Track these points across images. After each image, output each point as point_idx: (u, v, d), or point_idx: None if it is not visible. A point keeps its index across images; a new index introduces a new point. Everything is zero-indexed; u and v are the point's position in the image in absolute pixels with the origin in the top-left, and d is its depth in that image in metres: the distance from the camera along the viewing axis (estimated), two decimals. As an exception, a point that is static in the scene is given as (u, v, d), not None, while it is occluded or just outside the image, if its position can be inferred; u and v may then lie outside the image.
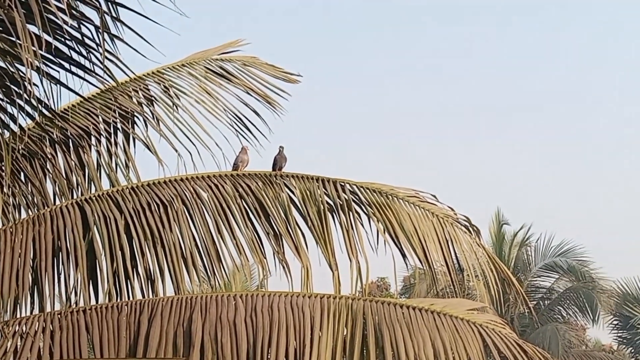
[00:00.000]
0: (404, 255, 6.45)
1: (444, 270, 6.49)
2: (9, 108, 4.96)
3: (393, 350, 5.65)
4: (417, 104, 38.55)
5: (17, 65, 4.67)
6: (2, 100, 4.89)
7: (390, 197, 6.54)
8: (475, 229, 6.61)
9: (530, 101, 38.06)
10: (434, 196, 6.66)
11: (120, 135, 7.05)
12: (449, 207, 6.65)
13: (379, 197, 6.54)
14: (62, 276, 6.06)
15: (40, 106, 4.99)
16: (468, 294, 15.17)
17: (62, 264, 6.07)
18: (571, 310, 20.57)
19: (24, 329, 5.73)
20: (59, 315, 5.80)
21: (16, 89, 4.81)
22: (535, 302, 20.33)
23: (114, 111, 7.00)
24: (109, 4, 4.46)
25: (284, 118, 7.34)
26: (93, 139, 6.93)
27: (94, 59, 4.81)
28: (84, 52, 4.78)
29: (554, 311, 20.55)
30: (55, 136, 6.69)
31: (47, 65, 4.82)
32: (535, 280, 20.79)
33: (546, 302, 20.62)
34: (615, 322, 20.82)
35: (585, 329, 23.48)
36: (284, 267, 6.30)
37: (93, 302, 6.01)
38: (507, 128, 38.37)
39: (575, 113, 37.78)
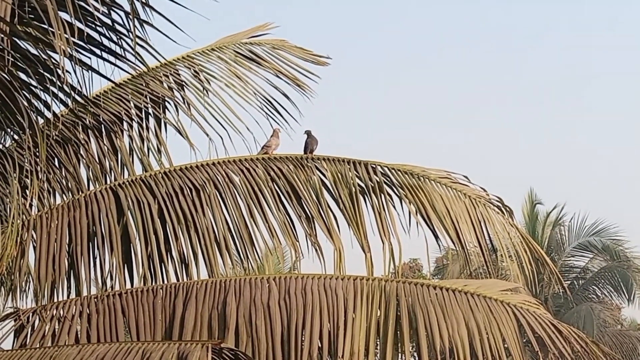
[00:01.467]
0: (436, 237, 6.44)
1: (477, 250, 6.47)
2: (42, 95, 5.01)
3: (427, 331, 5.66)
4: (448, 80, 38.28)
5: (49, 52, 4.71)
6: (36, 87, 4.93)
7: (422, 178, 6.52)
8: (508, 209, 6.58)
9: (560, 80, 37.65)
10: (466, 177, 6.63)
11: (151, 120, 7.10)
12: (481, 188, 6.62)
13: (410, 178, 6.53)
14: (97, 260, 6.13)
15: (73, 93, 5.03)
16: (501, 274, 15.11)
17: (98, 248, 6.14)
18: (606, 289, 20.42)
19: (62, 313, 5.81)
20: (96, 299, 5.87)
21: (49, 76, 4.85)
22: (569, 282, 20.21)
23: (145, 96, 7.04)
24: (139, -11, 4.47)
25: (315, 101, 7.33)
26: (125, 124, 6.98)
27: (124, 45, 4.83)
28: (115, 38, 4.81)
29: (588, 291, 20.41)
30: (88, 122, 6.75)
31: (79, 52, 4.85)
32: (569, 260, 20.65)
33: (580, 281, 20.49)
34: (651, 301, 20.63)
35: (620, 308, 23.30)
36: (316, 250, 6.32)
37: (128, 285, 6.08)
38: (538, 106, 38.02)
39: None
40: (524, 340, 6.12)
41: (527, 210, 20.73)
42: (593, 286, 20.49)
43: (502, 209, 6.56)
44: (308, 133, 6.89)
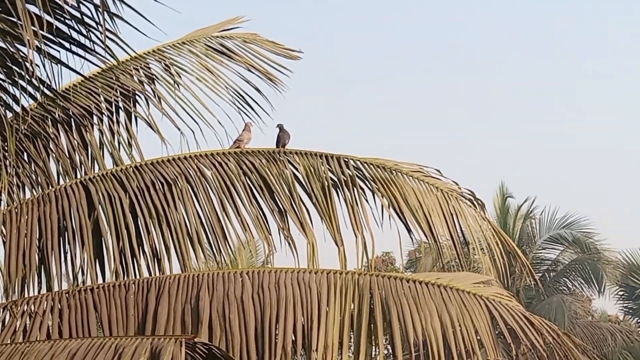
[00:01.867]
0: (409, 230, 6.46)
1: (449, 244, 6.49)
2: (10, 89, 4.95)
3: (400, 324, 5.67)
4: (419, 81, 38.41)
5: (18, 45, 4.66)
6: (4, 81, 4.87)
7: (394, 172, 6.54)
8: (479, 202, 6.61)
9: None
10: (438, 171, 6.66)
11: (122, 114, 7.04)
12: (454, 182, 6.64)
13: (382, 172, 6.53)
14: (68, 255, 6.08)
15: (42, 86, 4.98)
16: (474, 267, 15.19)
17: (69, 243, 6.09)
18: (577, 281, 20.62)
19: (33, 308, 5.76)
20: (67, 295, 5.82)
21: (18, 69, 4.80)
22: (540, 274, 20.37)
23: (116, 90, 6.98)
24: (109, -18, 4.43)
25: (286, 95, 7.32)
26: (95, 118, 6.92)
27: (94, 38, 4.79)
28: (84, 32, 4.76)
29: (559, 283, 20.60)
30: (57, 116, 6.68)
31: (47, 45, 4.79)
32: (541, 253, 20.82)
33: (552, 274, 20.66)
34: (621, 293, 20.87)
35: (591, 300, 23.53)
36: (289, 244, 6.31)
37: (100, 281, 6.04)
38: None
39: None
40: (497, 332, 6.15)
41: (498, 203, 20.86)
42: (564, 278, 20.67)
43: (474, 202, 6.59)
44: (280, 127, 6.88)
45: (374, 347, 5.79)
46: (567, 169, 35.96)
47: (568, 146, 36.61)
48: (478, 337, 5.76)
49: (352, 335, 5.80)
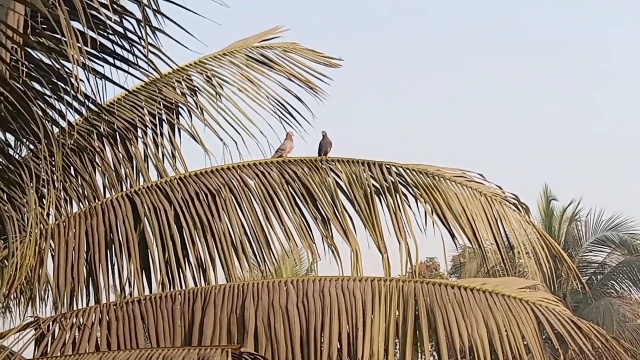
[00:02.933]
0: (452, 236, 6.43)
1: (494, 248, 6.45)
2: (57, 104, 5.04)
3: (446, 331, 5.65)
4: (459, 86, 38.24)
5: (63, 62, 4.74)
6: (50, 97, 4.96)
7: (436, 177, 6.52)
8: (524, 206, 6.57)
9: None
10: (481, 175, 6.62)
11: (165, 126, 7.12)
12: (497, 186, 6.61)
13: (425, 178, 6.52)
14: (115, 267, 6.15)
15: (87, 101, 5.06)
16: (519, 271, 15.06)
17: (115, 255, 6.16)
18: (624, 284, 20.32)
19: (81, 320, 5.84)
20: (115, 307, 5.90)
21: (63, 85, 4.88)
22: (587, 278, 20.11)
23: (159, 103, 7.06)
24: (150, -3, 4.49)
25: (327, 103, 7.34)
26: (139, 131, 7.00)
27: (137, 52, 4.85)
28: (127, 46, 4.83)
29: (607, 286, 20.31)
30: (102, 130, 6.78)
31: (91, 60, 4.88)
32: (587, 255, 20.56)
33: (599, 277, 20.39)
34: (670, 295, 20.52)
35: (639, 302, 23.17)
36: (333, 252, 6.32)
37: (147, 292, 6.10)
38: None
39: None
40: (544, 338, 6.09)
41: (542, 206, 20.66)
42: (611, 281, 20.38)
43: (518, 206, 6.54)
44: (323, 135, 6.90)
45: (419, 355, 5.78)
46: (612, 170, 35.49)
47: (614, 146, 36.11)
48: (525, 343, 5.71)
49: (397, 343, 5.78)
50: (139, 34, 4.71)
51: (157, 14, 4.59)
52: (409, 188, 6.54)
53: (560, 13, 39.05)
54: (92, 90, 4.77)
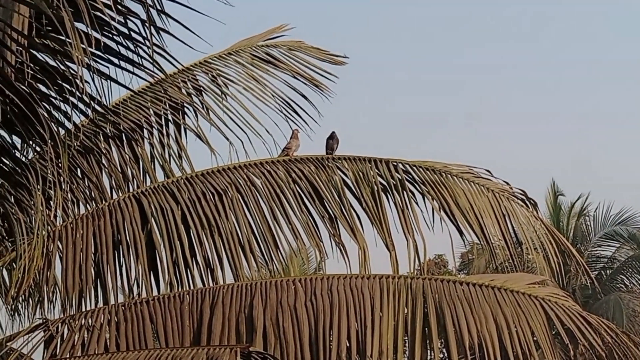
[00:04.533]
0: (460, 232, 6.42)
1: (502, 244, 6.44)
2: (62, 106, 5.04)
3: (455, 327, 5.63)
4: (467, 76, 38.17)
5: (67, 63, 4.73)
6: (56, 98, 4.96)
7: (443, 174, 6.50)
8: (532, 201, 6.55)
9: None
10: (488, 171, 6.61)
11: (171, 127, 7.12)
12: (504, 182, 6.59)
13: (432, 175, 6.51)
14: (123, 268, 6.16)
15: (92, 102, 5.05)
16: (528, 267, 15.03)
17: (123, 256, 6.17)
18: (634, 278, 20.26)
19: (90, 322, 5.84)
20: (123, 307, 5.90)
21: (68, 86, 4.87)
22: (596, 273, 20.06)
23: (164, 103, 7.06)
24: (154, -3, 4.49)
25: (333, 101, 7.32)
26: (145, 131, 7.01)
27: (142, 53, 4.85)
28: (132, 47, 4.82)
29: (616, 280, 20.26)
30: (108, 131, 6.78)
31: (96, 61, 4.87)
32: (596, 250, 20.51)
33: (608, 271, 20.34)
34: (680, 289, 20.46)
35: (649, 297, 23.09)
36: (340, 250, 6.31)
37: (155, 292, 6.10)
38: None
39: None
40: (553, 333, 6.07)
41: (550, 201, 20.61)
42: (621, 276, 20.33)
43: (526, 201, 6.53)
44: (332, 134, 6.90)
45: (429, 352, 5.76)
46: (622, 162, 35.34)
47: (625, 138, 35.91)
48: (534, 339, 5.69)
49: (406, 340, 5.77)
50: (144, 35, 4.71)
51: (161, 14, 4.59)
52: (416, 185, 6.53)
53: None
54: (98, 91, 4.77)
